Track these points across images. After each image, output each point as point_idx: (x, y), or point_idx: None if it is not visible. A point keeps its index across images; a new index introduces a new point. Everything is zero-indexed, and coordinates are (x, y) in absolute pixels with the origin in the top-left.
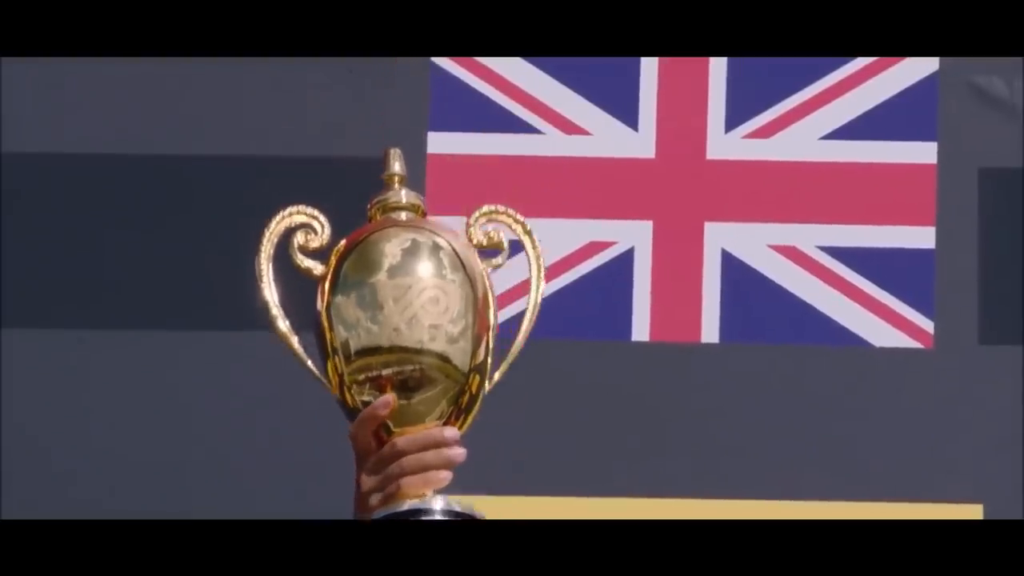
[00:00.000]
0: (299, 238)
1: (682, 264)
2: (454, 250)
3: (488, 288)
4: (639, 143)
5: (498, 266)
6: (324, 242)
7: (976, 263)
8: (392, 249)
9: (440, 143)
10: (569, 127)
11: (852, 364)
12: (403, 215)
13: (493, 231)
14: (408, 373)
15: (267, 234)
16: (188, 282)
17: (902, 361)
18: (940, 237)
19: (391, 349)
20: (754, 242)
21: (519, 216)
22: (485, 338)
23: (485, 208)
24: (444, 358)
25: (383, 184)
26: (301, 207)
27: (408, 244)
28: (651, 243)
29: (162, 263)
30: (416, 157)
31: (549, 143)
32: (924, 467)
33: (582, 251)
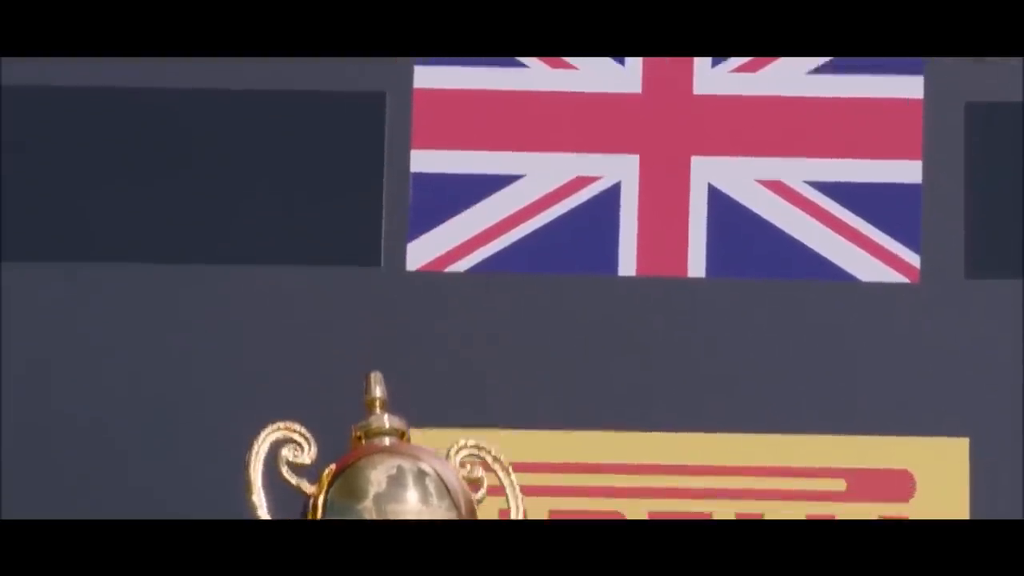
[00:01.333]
0: (287, 454)
1: (669, 199)
2: (439, 476)
3: (474, 512)
4: (626, 78)
5: (479, 501)
6: (312, 458)
7: (962, 197)
8: (378, 476)
9: (426, 77)
10: (555, 61)
11: (838, 299)
12: (387, 440)
13: (471, 467)
14: None
15: (255, 448)
16: (185, 216)
17: (888, 295)
18: (926, 171)
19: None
20: (741, 177)
21: (498, 454)
22: None
23: (462, 442)
24: None
25: (365, 407)
26: (287, 424)
27: (394, 471)
28: (638, 178)
29: (156, 196)
30: (403, 92)
31: (535, 77)
32: (910, 401)
33: (568, 186)
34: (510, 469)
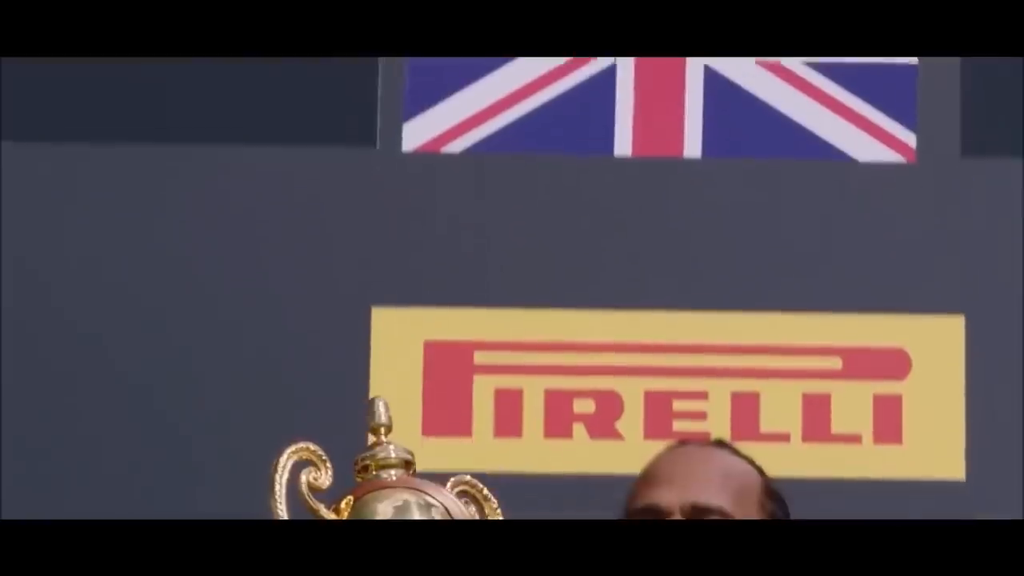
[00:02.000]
0: (308, 477)
1: (665, 79)
2: (445, 509)
3: None
4: None
5: None
6: (329, 481)
7: (958, 76)
8: (385, 508)
9: None
10: None
11: (835, 178)
12: (393, 473)
13: (466, 502)
14: None
15: (277, 473)
16: (179, 95)
17: (885, 175)
18: None
19: None
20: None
21: (488, 494)
22: None
23: (455, 479)
24: None
25: (370, 433)
26: (306, 445)
27: (400, 503)
28: (633, 58)
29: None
30: None
31: None
32: (907, 279)
33: (564, 66)
34: (497, 509)
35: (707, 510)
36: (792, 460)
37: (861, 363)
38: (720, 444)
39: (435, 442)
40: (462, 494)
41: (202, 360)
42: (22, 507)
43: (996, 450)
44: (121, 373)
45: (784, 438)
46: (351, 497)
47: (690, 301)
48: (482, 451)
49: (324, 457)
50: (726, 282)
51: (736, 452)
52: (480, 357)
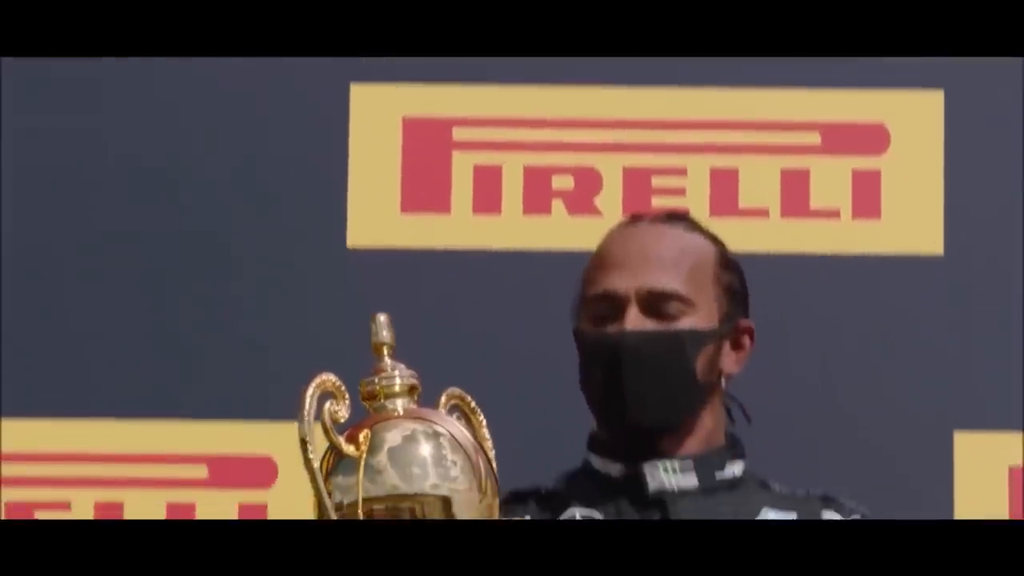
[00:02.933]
0: (330, 411)
1: None
2: (451, 435)
3: (491, 469)
4: None
5: None
6: (348, 414)
7: None
8: (394, 436)
9: None
10: None
11: None
12: (399, 403)
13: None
14: (404, 512)
15: (306, 404)
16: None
17: None
18: None
19: (387, 497)
20: None
21: (476, 406)
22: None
23: (444, 395)
24: (447, 501)
25: (372, 351)
26: (330, 377)
27: (409, 432)
28: None
29: None
30: None
31: None
32: (887, 54)
33: None
34: (483, 421)
35: (662, 294)
36: (770, 235)
37: (840, 138)
38: (673, 217)
39: (414, 219)
40: (453, 408)
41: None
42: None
43: (974, 225)
44: None
45: (763, 213)
46: (368, 431)
47: (670, 78)
48: (461, 227)
49: (343, 389)
50: (703, 59)
51: (690, 223)
52: (459, 133)
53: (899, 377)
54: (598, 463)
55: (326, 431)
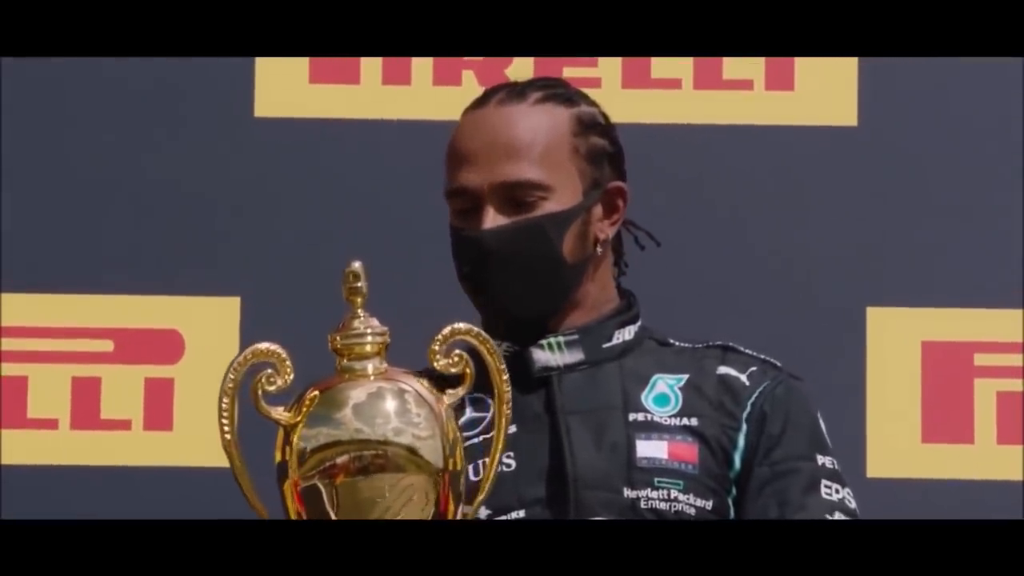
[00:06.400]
0: (262, 383)
1: None
2: (417, 392)
3: (456, 429)
4: None
5: (455, 400)
6: (284, 383)
7: None
8: (358, 394)
9: None
10: None
11: None
12: (368, 365)
13: (458, 356)
14: (369, 459)
15: (230, 371)
16: None
17: None
18: None
19: (350, 442)
20: None
21: (484, 336)
22: (456, 456)
23: (448, 329)
24: (412, 449)
25: (345, 299)
26: (266, 345)
27: (374, 390)
28: None
29: None
30: None
31: None
32: None
33: None
34: (496, 352)
35: (515, 185)
36: (683, 107)
37: None
38: (524, 92)
39: (323, 89)
40: (455, 344)
41: None
42: None
43: (888, 96)
44: None
45: (675, 84)
46: (312, 392)
47: None
48: (371, 99)
49: (284, 357)
50: None
51: (541, 93)
52: None
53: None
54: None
55: (255, 400)
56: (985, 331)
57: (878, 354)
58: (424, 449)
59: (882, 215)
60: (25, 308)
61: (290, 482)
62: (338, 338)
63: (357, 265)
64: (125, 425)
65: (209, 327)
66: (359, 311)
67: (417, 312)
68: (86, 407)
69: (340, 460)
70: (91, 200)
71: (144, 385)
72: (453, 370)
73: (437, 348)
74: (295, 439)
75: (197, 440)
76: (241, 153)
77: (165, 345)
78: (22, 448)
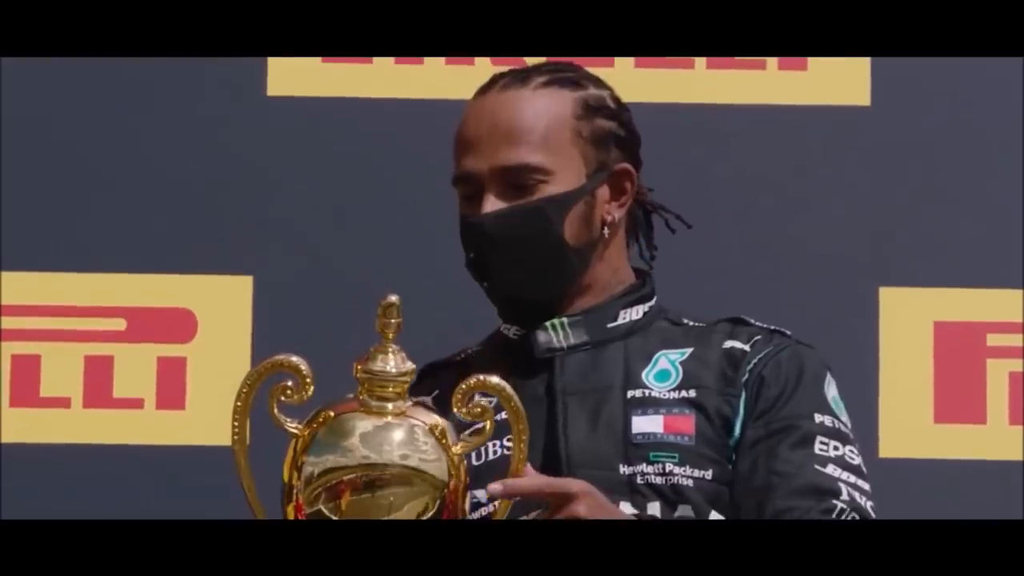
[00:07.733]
0: (279, 394)
1: None
2: (429, 428)
3: (462, 465)
4: None
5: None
6: (307, 395)
7: None
8: (366, 425)
9: None
10: None
11: None
12: (390, 405)
13: (480, 408)
14: (374, 476)
15: (245, 385)
16: None
17: None
18: None
19: (357, 467)
20: None
21: (508, 391)
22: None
23: (473, 380)
24: (418, 470)
25: (379, 331)
26: (287, 357)
27: (383, 423)
28: None
29: None
30: None
31: None
32: None
33: None
34: (521, 413)
35: (515, 169)
36: (696, 87)
37: None
38: (527, 76)
39: (335, 68)
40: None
41: None
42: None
43: (900, 76)
44: None
45: (688, 64)
46: (323, 414)
47: None
48: (383, 78)
49: (304, 370)
50: None
51: (546, 78)
52: None
53: (824, 230)
54: (503, 326)
55: (271, 411)
56: (997, 311)
57: (890, 334)
58: (431, 469)
59: (894, 195)
60: (37, 287)
61: (293, 506)
62: (361, 370)
63: (394, 298)
64: (137, 404)
65: (222, 306)
66: (390, 345)
67: (430, 293)
68: (98, 386)
69: (346, 478)
70: (104, 179)
71: (156, 364)
72: (474, 419)
73: (460, 397)
74: (303, 462)
75: (209, 419)
76: (254, 132)
77: (177, 324)
78: (35, 427)
